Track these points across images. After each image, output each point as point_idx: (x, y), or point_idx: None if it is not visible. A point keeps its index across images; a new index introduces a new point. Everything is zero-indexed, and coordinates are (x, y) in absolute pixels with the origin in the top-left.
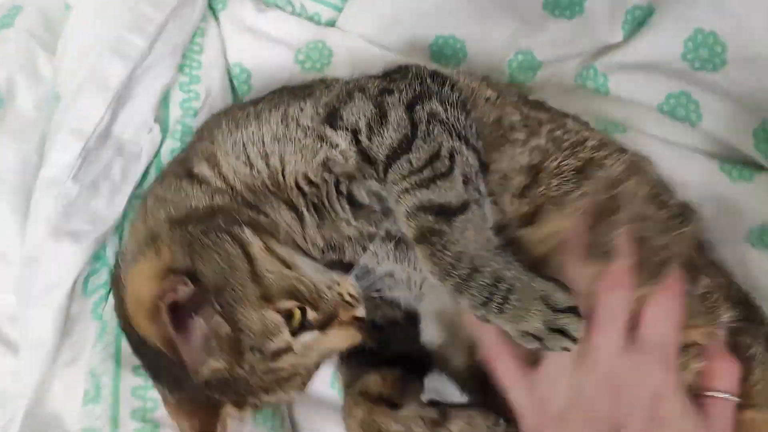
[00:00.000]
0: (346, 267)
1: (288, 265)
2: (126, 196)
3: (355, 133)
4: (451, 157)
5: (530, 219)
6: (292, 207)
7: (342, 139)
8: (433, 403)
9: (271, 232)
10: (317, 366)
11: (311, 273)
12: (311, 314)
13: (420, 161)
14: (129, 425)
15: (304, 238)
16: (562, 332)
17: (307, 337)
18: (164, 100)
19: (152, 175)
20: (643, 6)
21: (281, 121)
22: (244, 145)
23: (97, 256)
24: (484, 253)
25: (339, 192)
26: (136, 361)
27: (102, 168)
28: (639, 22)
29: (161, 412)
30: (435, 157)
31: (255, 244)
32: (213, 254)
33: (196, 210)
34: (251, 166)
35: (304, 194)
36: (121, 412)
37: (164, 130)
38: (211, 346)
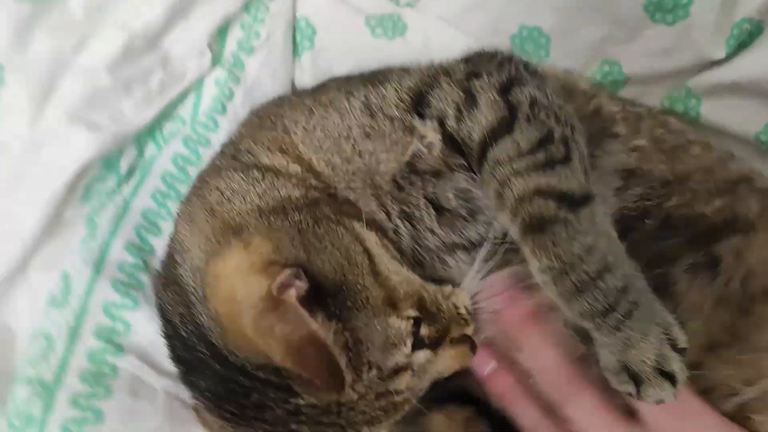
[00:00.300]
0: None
1: (402, 265)
2: (157, 110)
3: (441, 121)
4: (566, 144)
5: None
6: (387, 213)
7: (430, 130)
8: None
9: (380, 228)
10: (420, 397)
11: (424, 281)
12: (424, 329)
13: (529, 143)
14: (89, 341)
15: (400, 246)
16: (668, 377)
17: (422, 357)
18: (222, 33)
19: (189, 102)
20: (753, 19)
21: (364, 111)
22: (330, 137)
23: (108, 164)
24: (617, 250)
25: (425, 195)
26: (120, 276)
27: (141, 72)
28: (744, 39)
29: (132, 339)
30: (547, 140)
31: (370, 238)
32: (328, 245)
33: (291, 199)
34: (340, 157)
35: (393, 199)
36: (84, 325)
37: (214, 62)
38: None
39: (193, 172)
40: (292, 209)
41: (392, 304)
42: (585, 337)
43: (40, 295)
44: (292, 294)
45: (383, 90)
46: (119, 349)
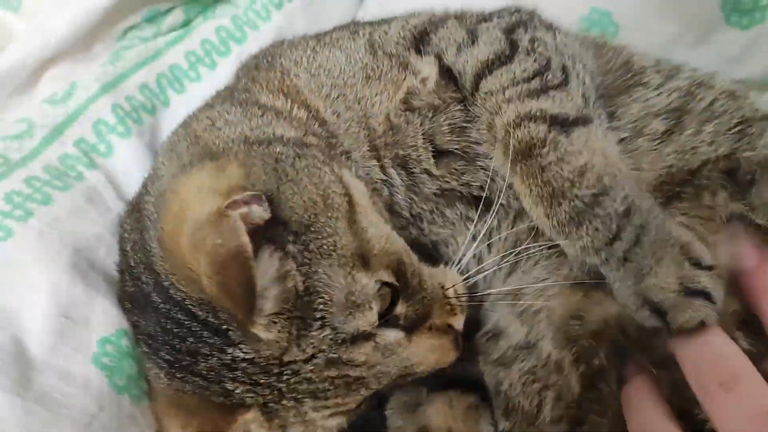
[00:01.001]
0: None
1: (390, 226)
2: None
3: (439, 56)
4: (565, 71)
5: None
6: (381, 165)
7: (426, 65)
8: None
9: (372, 185)
10: (382, 386)
11: (411, 253)
12: (401, 307)
13: (524, 73)
14: (67, 146)
15: (391, 206)
16: (704, 296)
17: (391, 336)
18: None
19: None
20: None
21: (368, 49)
22: (337, 85)
23: (151, 20)
24: (616, 171)
25: (422, 133)
26: (124, 104)
27: None
28: None
29: (109, 162)
30: (545, 68)
31: (359, 188)
32: (306, 182)
33: (282, 138)
34: (345, 106)
35: (387, 144)
36: (69, 130)
37: None
38: (273, 300)
39: (235, 49)
40: (280, 143)
41: (364, 258)
42: (597, 276)
43: (42, 93)
44: (240, 211)
45: (387, 27)
46: (93, 164)
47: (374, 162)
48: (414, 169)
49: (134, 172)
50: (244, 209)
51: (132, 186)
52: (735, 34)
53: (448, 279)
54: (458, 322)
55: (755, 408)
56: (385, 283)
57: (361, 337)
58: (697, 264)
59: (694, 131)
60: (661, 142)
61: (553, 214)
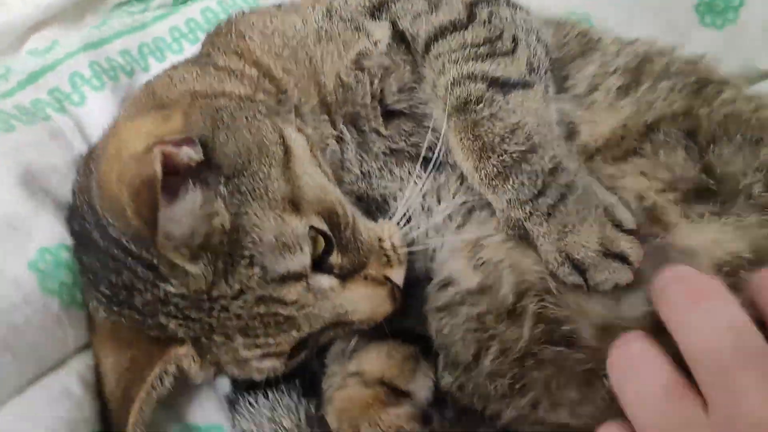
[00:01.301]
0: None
1: (329, 179)
2: None
3: (394, 22)
4: (515, 40)
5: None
6: (332, 120)
7: (380, 29)
8: None
9: (315, 142)
10: (317, 336)
11: (350, 205)
12: (335, 257)
13: (477, 39)
14: (40, 93)
15: (342, 162)
16: (621, 259)
17: (324, 282)
18: None
19: None
20: None
21: (325, 15)
22: (289, 45)
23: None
24: (547, 132)
25: (371, 92)
26: (102, 63)
27: None
28: None
29: (80, 111)
30: (496, 38)
31: (299, 141)
32: (243, 131)
33: (231, 94)
34: (296, 63)
35: (339, 102)
36: (43, 79)
37: None
38: (196, 235)
39: None
40: (225, 98)
41: (295, 203)
42: (523, 236)
43: (24, 47)
44: (165, 148)
45: None
46: (63, 110)
47: (324, 117)
48: (364, 127)
49: (104, 124)
50: (172, 148)
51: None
52: (711, 33)
53: (385, 231)
54: (396, 274)
55: (724, 320)
56: (316, 230)
57: (292, 278)
58: (619, 226)
59: (649, 87)
60: (616, 97)
61: (481, 167)
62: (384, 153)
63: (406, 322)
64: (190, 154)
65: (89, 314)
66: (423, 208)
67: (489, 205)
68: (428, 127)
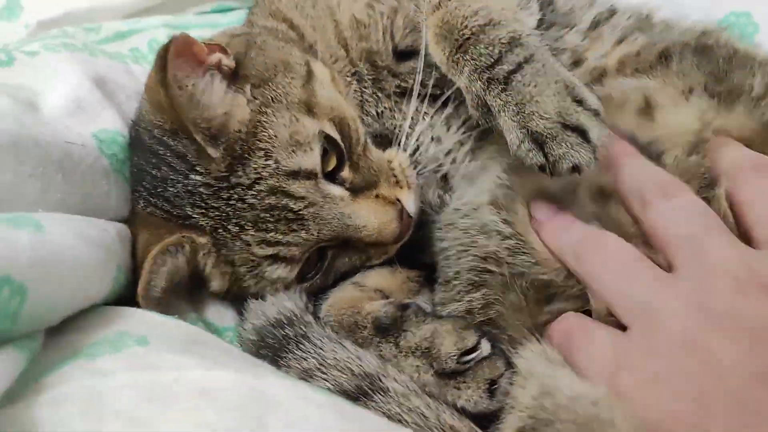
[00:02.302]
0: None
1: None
2: None
3: None
4: None
5: None
6: (350, 58)
7: None
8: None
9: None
10: (322, 237)
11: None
12: (347, 172)
13: None
14: None
15: (362, 103)
16: (580, 133)
17: (335, 191)
18: None
19: None
20: None
21: None
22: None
23: None
24: (511, 16)
25: (383, 30)
26: None
27: None
28: None
29: None
30: None
31: (323, 71)
32: (272, 51)
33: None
34: (314, 10)
35: (355, 38)
36: None
37: None
38: (215, 116)
39: None
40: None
41: (310, 108)
42: (489, 119)
43: None
44: (199, 48)
45: None
46: (138, 63)
47: (343, 53)
48: (379, 63)
49: None
50: (202, 48)
51: None
52: None
53: (394, 155)
54: (406, 197)
55: (695, 209)
56: (328, 138)
57: (303, 175)
58: (580, 103)
59: (662, 28)
60: (627, 32)
61: (446, 46)
62: (395, 92)
63: (418, 255)
64: (222, 59)
65: (132, 206)
66: (432, 139)
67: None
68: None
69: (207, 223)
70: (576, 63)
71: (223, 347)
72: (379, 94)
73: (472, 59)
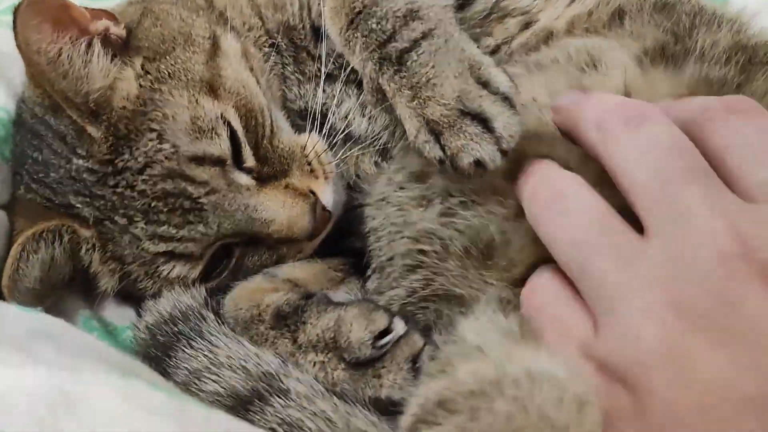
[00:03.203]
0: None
1: (258, 86)
2: None
3: None
4: None
5: None
6: (266, 29)
7: None
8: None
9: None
10: (223, 231)
11: (279, 114)
12: (250, 161)
13: None
14: None
15: (284, 78)
16: (481, 121)
17: (241, 178)
18: None
19: None
20: None
21: None
22: None
23: None
24: None
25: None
26: None
27: None
28: None
29: None
30: None
31: (232, 44)
32: (171, 21)
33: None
34: None
35: (268, 6)
36: None
37: None
38: (92, 86)
39: None
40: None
41: (213, 89)
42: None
43: None
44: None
45: None
46: None
47: (257, 20)
48: (297, 42)
49: None
50: (94, 21)
51: None
52: None
53: (309, 141)
54: (321, 188)
55: (668, 140)
56: (229, 125)
57: (209, 161)
58: (485, 86)
59: None
60: None
61: (338, 21)
62: (316, 75)
63: (346, 242)
64: (110, 27)
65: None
66: (364, 115)
67: None
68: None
69: (91, 214)
70: (526, 25)
71: (77, 343)
72: (301, 77)
73: (363, 36)
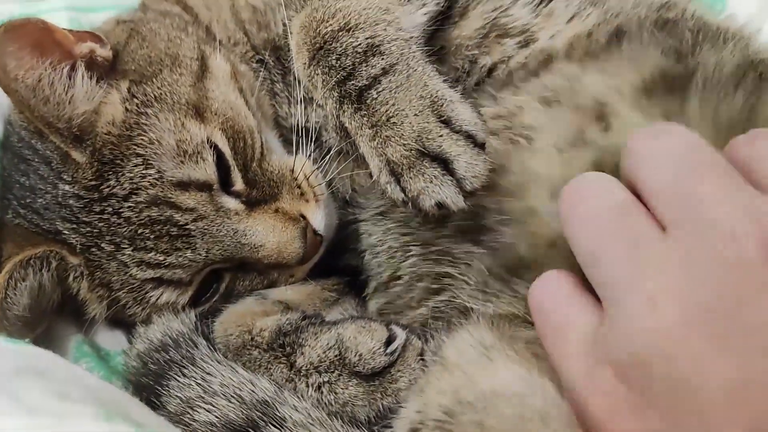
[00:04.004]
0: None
1: (247, 106)
2: None
3: None
4: None
5: None
6: (253, 45)
7: None
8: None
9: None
10: (211, 257)
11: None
12: (239, 184)
13: None
14: None
15: (274, 94)
16: (441, 162)
17: (230, 203)
18: None
19: None
20: None
21: None
22: None
23: None
24: (378, 16)
25: (283, 22)
26: None
27: None
28: None
29: None
30: None
31: (221, 66)
32: (159, 43)
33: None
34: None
35: (252, 23)
36: None
37: None
38: (75, 112)
39: None
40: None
41: (200, 112)
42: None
43: None
44: (62, 36)
45: None
46: None
47: (242, 36)
48: (285, 63)
49: None
50: (78, 44)
51: None
52: None
53: (298, 163)
54: (311, 211)
55: (685, 144)
56: (216, 149)
57: (195, 186)
58: (448, 123)
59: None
60: (580, 7)
61: (303, 60)
62: (303, 98)
63: (341, 260)
64: (96, 49)
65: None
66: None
67: None
68: None
69: (78, 241)
70: (525, 44)
71: (65, 379)
72: (289, 97)
73: (323, 73)
